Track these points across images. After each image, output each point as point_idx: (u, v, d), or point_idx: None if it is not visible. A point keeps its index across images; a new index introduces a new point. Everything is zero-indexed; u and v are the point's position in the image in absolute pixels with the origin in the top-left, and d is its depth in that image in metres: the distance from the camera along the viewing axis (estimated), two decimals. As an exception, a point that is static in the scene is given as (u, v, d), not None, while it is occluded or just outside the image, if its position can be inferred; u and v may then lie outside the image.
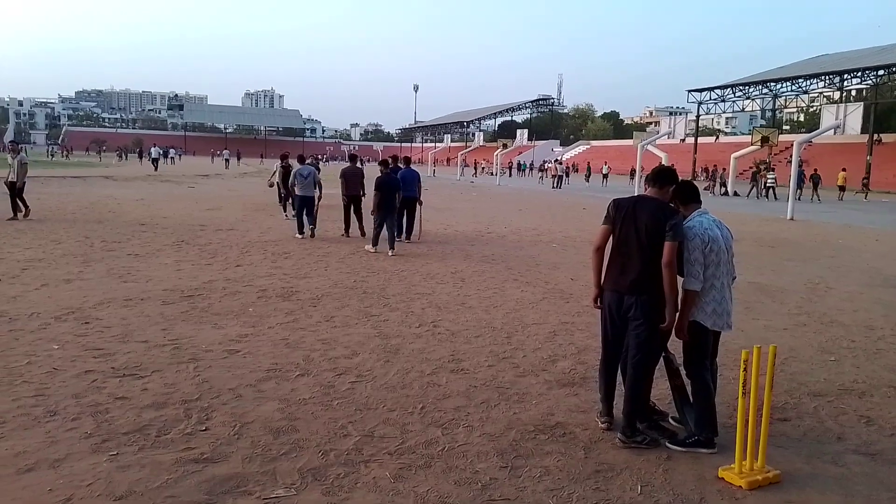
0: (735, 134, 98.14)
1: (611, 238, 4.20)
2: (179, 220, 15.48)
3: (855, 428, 4.56)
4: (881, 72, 49.67)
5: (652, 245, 3.97)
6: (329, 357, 5.66)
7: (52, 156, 70.67)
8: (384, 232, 11.70)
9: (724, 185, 37.37)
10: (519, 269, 10.51)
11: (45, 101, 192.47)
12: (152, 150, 49.61)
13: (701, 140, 67.20)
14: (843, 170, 36.00)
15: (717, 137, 77.08)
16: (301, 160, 14.34)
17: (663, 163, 42.18)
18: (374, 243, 11.76)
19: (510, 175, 61.64)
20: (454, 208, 22.41)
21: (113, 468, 3.58)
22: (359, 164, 15.20)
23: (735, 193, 36.11)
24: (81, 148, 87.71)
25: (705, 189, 38.38)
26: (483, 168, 62.29)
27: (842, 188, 35.07)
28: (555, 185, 41.24)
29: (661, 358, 4.39)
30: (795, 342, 6.70)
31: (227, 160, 61.30)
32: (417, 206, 13.37)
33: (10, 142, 16.55)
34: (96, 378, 4.92)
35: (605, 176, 47.14)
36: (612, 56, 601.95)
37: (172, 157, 68.93)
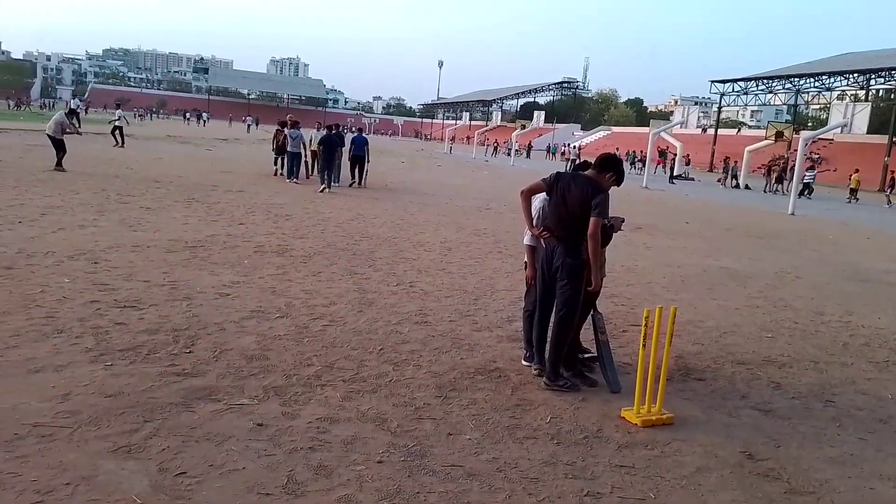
0: (759, 127, 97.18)
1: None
2: (193, 180, 16.20)
3: (761, 391, 5.14)
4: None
5: (575, 216, 4.57)
6: (308, 305, 6.32)
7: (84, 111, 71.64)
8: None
9: (735, 177, 37.41)
10: (506, 242, 11.09)
11: (72, 57, 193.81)
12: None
13: (722, 132, 66.87)
14: (856, 171, 33.43)
15: (739, 130, 76.42)
16: (291, 125, 18.49)
17: (677, 153, 42.19)
18: (325, 184, 16.61)
19: (527, 156, 61.85)
20: (461, 185, 22.96)
21: (107, 375, 4.26)
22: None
23: (747, 187, 36.23)
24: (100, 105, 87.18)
25: (717, 181, 38.55)
26: (497, 148, 62.48)
27: (853, 191, 32.31)
28: (567, 168, 41.59)
29: (590, 316, 5.01)
30: (741, 320, 7.25)
31: (249, 125, 63.11)
32: (365, 164, 18.89)
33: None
34: (100, 307, 5.61)
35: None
36: (641, 42, 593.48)
37: (205, 121, 72.10)
